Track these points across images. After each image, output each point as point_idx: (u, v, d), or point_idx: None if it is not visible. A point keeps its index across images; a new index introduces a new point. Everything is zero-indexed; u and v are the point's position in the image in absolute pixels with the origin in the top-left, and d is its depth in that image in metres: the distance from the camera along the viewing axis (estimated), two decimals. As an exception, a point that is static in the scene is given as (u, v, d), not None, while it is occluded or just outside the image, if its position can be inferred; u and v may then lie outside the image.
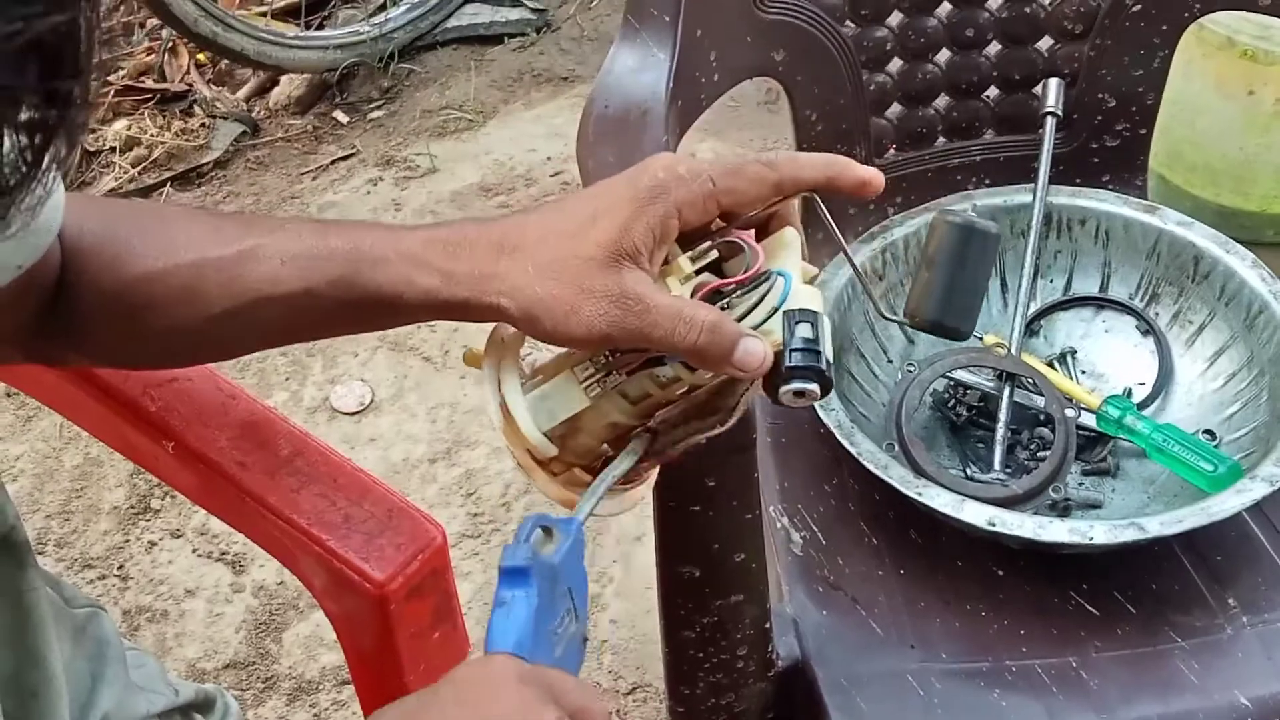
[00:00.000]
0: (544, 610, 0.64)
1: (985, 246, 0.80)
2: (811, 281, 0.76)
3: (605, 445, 0.78)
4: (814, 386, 0.71)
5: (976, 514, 1.13)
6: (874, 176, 0.75)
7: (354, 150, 2.71)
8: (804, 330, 0.70)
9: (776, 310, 0.72)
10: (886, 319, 0.84)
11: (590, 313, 0.70)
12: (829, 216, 0.77)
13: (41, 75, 0.44)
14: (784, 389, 0.71)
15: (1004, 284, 1.40)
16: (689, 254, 0.74)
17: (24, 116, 0.44)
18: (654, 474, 0.81)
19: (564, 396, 0.76)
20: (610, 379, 0.75)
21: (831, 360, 0.72)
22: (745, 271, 0.73)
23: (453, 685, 0.64)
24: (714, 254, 0.74)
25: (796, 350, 0.70)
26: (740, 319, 0.72)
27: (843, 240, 0.80)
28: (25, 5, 0.43)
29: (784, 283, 0.72)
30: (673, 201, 0.71)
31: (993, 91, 1.45)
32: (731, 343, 0.69)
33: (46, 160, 0.45)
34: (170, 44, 2.87)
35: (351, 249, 0.75)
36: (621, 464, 0.74)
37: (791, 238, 0.76)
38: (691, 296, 0.73)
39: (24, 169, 0.45)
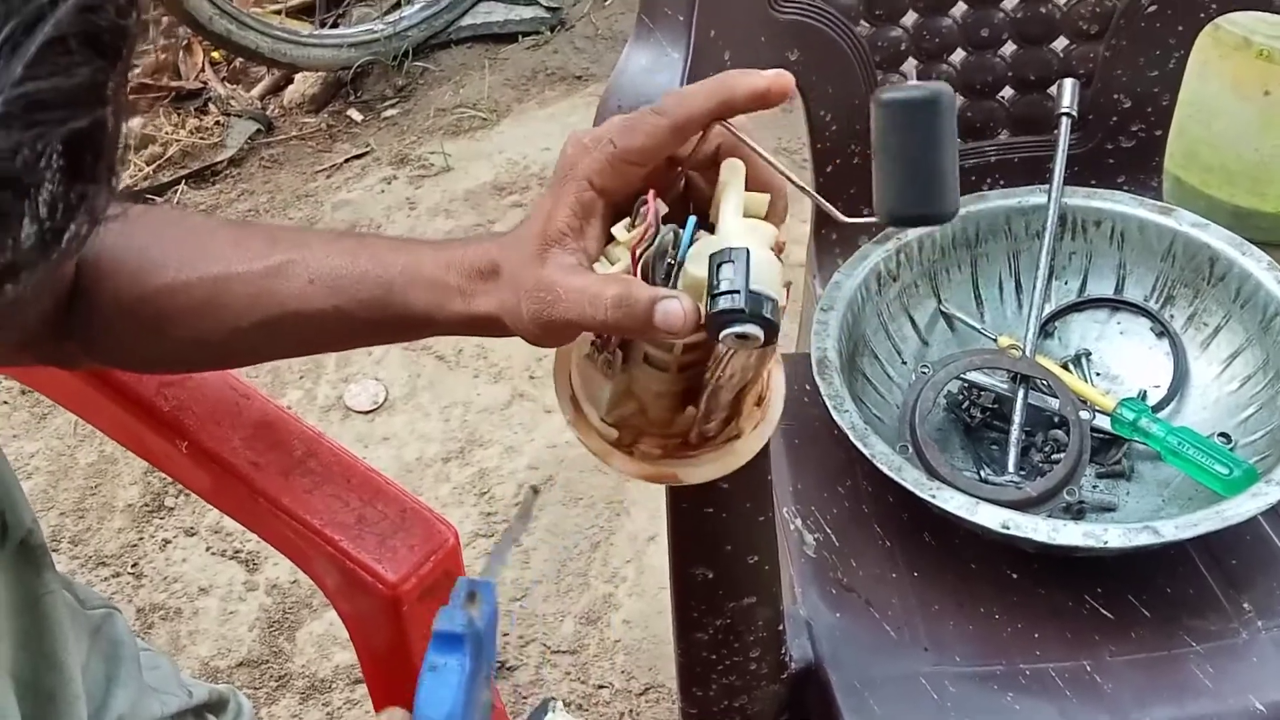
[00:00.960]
0: (472, 678, 0.65)
1: (932, 115, 0.70)
2: (776, 215, 0.72)
3: (691, 409, 0.75)
4: (750, 328, 0.65)
5: (991, 517, 1.13)
6: (772, 82, 0.69)
7: (368, 149, 2.72)
8: (726, 271, 0.66)
9: (680, 264, 0.69)
10: (849, 221, 0.77)
11: (525, 312, 0.70)
12: (749, 140, 0.72)
13: (65, 168, 0.45)
14: (722, 336, 0.66)
15: (1019, 285, 1.40)
16: (622, 222, 0.72)
17: (45, 197, 0.45)
18: (773, 410, 0.77)
19: (590, 383, 0.75)
20: (617, 356, 0.73)
21: (770, 294, 0.66)
22: (644, 229, 0.70)
23: None
24: (650, 217, 0.70)
25: (716, 295, 0.65)
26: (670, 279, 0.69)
27: (773, 161, 0.73)
28: (45, 110, 0.43)
29: (685, 232, 0.69)
30: (581, 173, 0.69)
31: (1008, 92, 1.45)
32: (645, 311, 0.66)
33: (65, 241, 0.46)
34: (185, 42, 2.88)
35: (382, 272, 0.75)
36: (515, 528, 0.76)
37: (729, 174, 0.72)
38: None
39: (43, 251, 0.46)
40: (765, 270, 0.66)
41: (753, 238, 0.68)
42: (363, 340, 0.82)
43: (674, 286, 0.69)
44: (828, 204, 0.75)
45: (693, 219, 0.70)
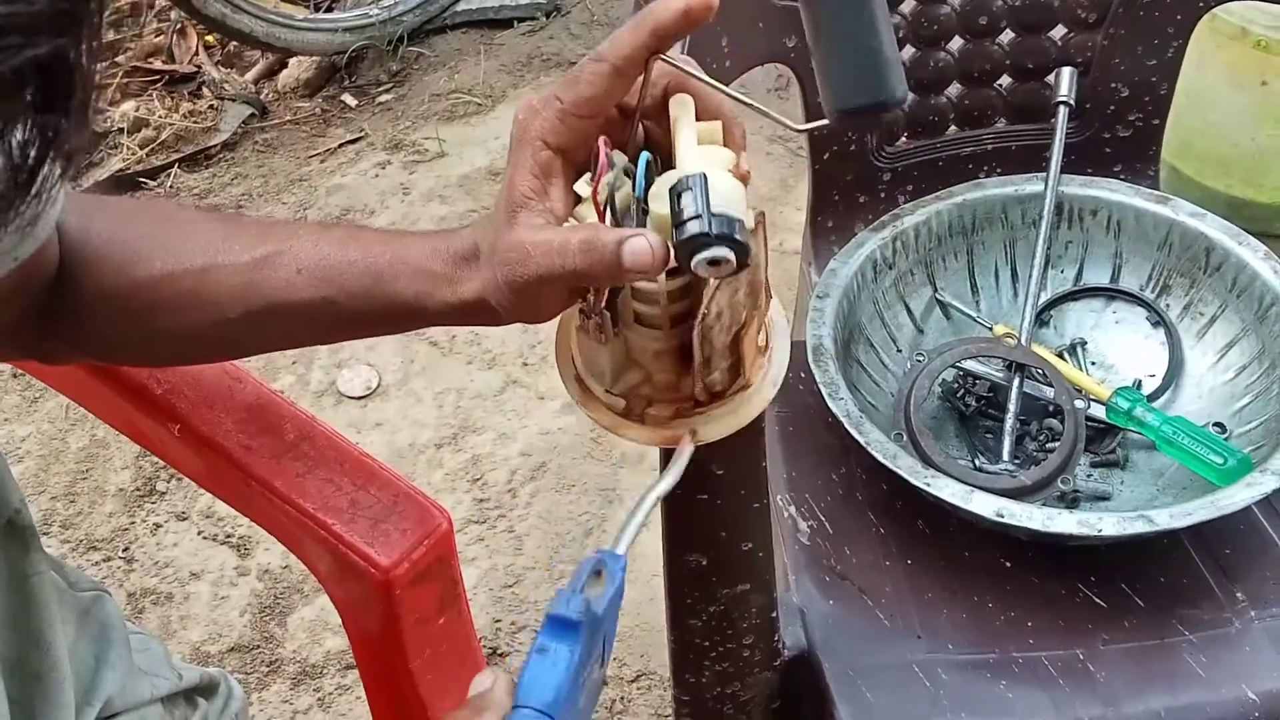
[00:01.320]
0: (582, 663, 0.62)
1: None
2: (734, 141, 0.71)
3: (700, 365, 0.74)
4: (719, 251, 0.64)
5: (985, 505, 1.13)
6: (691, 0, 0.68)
7: (362, 133, 2.71)
8: (686, 200, 0.65)
9: (637, 200, 0.69)
10: (800, 130, 0.75)
11: (500, 279, 0.69)
12: (691, 69, 0.71)
13: (34, 103, 0.44)
14: (694, 264, 0.65)
15: (1015, 273, 1.40)
16: (584, 177, 0.71)
17: (17, 139, 0.44)
18: (779, 354, 0.76)
19: (592, 361, 0.75)
20: (606, 318, 0.72)
21: (733, 214, 0.65)
22: (599, 172, 0.70)
23: None
24: (602, 159, 0.70)
25: (680, 225, 0.65)
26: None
27: (718, 86, 0.72)
28: (9, 35, 0.43)
29: (639, 167, 0.69)
30: (534, 134, 0.69)
31: (1005, 80, 1.44)
32: (612, 252, 0.65)
33: (39, 182, 0.45)
34: (179, 25, 2.87)
35: (370, 261, 0.75)
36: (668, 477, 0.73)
37: (678, 108, 0.72)
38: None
39: (16, 190, 0.45)
40: (726, 192, 0.66)
41: (708, 164, 0.67)
42: (351, 332, 0.82)
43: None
44: (777, 115, 0.74)
45: (645, 154, 0.69)
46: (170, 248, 0.79)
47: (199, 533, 1.97)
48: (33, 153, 0.45)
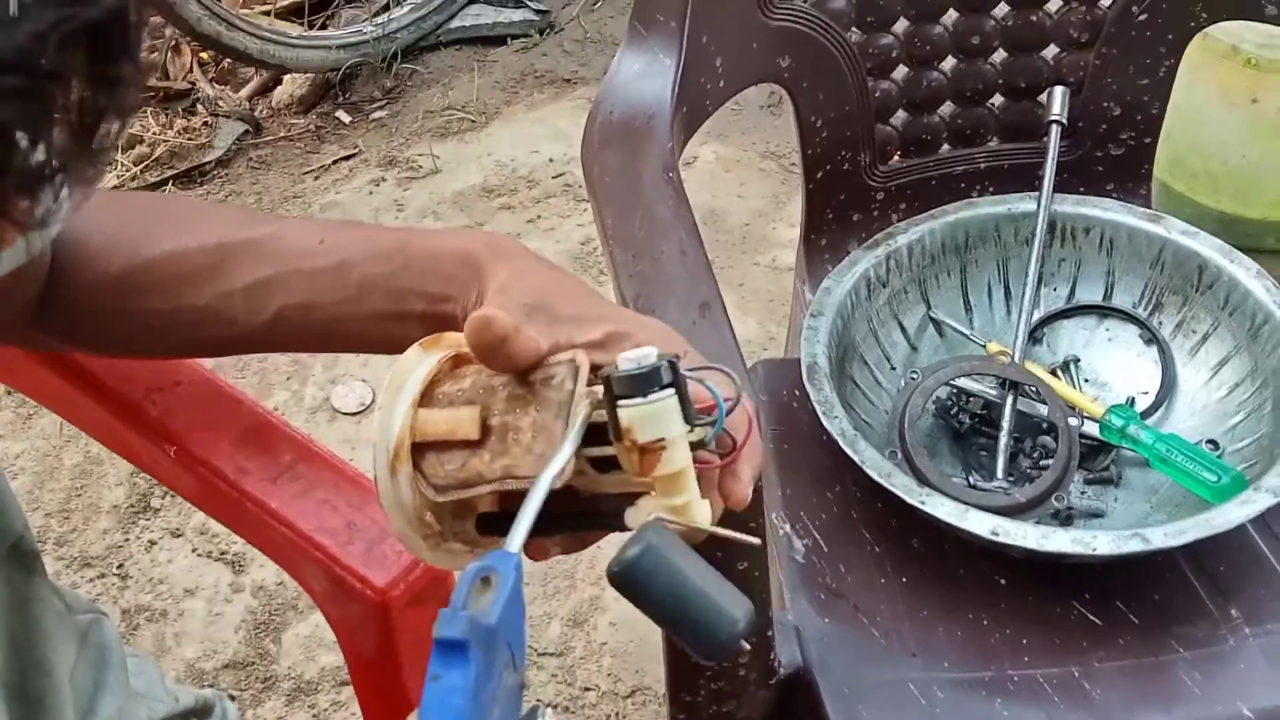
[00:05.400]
0: (481, 679, 0.58)
1: (653, 564, 0.64)
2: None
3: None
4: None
5: (979, 523, 1.13)
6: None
7: (356, 150, 2.71)
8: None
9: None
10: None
11: None
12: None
13: (91, 60, 0.45)
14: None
15: (1008, 292, 1.40)
16: None
17: (74, 99, 0.45)
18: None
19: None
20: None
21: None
22: None
23: None
24: None
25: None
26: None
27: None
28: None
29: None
30: None
31: (998, 99, 1.45)
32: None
33: (97, 141, 0.46)
34: (173, 42, 2.87)
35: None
36: (563, 451, 0.64)
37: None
38: None
39: (75, 151, 0.46)
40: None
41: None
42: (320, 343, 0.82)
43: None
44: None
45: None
46: (178, 230, 0.80)
47: (193, 549, 1.96)
48: (90, 110, 0.46)
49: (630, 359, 0.63)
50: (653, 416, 0.63)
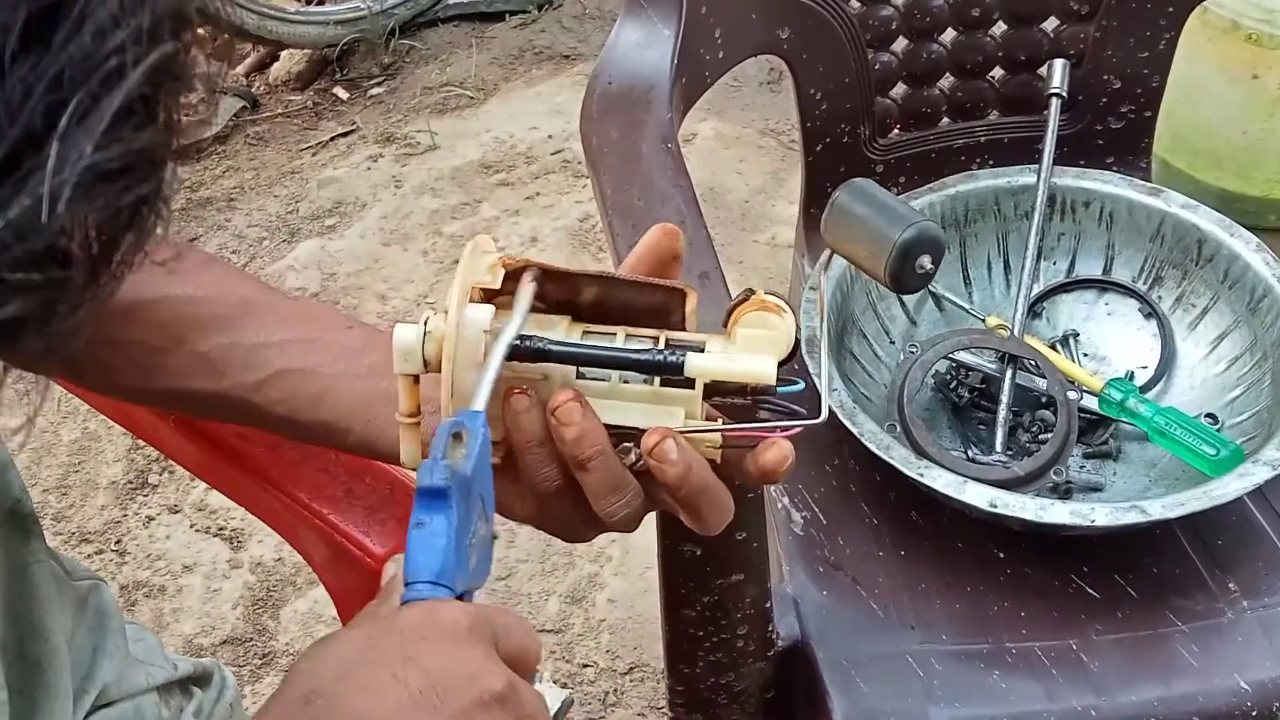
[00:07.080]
0: (462, 527, 0.62)
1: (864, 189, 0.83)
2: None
3: None
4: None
5: (978, 495, 1.13)
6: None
7: (354, 126, 2.71)
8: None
9: None
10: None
11: None
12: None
13: (116, 243, 0.45)
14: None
15: (1007, 265, 1.40)
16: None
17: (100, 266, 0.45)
18: None
19: None
20: None
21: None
22: None
23: (399, 637, 0.60)
24: None
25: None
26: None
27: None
28: (108, 183, 0.43)
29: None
30: None
31: (998, 72, 1.45)
32: None
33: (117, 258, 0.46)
34: (170, 18, 2.86)
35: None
36: (515, 317, 0.68)
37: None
38: None
39: (98, 271, 0.45)
40: None
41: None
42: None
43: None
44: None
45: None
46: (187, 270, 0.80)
47: (191, 525, 1.97)
48: (113, 274, 0.46)
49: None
50: None
